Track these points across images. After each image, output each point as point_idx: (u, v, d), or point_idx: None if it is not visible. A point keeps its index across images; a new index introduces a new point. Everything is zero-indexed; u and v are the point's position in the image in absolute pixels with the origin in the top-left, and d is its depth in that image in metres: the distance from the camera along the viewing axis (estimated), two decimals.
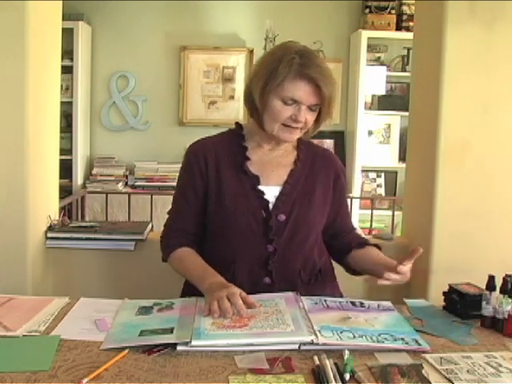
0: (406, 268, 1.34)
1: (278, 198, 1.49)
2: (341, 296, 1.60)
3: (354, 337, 1.19)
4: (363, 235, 1.81)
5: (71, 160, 3.96)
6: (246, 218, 1.47)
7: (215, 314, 1.26)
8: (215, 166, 1.51)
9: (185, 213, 1.55)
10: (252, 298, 1.37)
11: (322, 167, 1.58)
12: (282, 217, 1.48)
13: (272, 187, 1.50)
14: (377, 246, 1.61)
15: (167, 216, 1.61)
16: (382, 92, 4.16)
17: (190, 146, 1.57)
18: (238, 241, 1.48)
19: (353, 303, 1.40)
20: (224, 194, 1.48)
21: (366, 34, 4.00)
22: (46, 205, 2.11)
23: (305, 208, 1.51)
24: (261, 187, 1.49)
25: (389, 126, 4.26)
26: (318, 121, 1.49)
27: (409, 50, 4.03)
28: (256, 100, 1.44)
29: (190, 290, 1.50)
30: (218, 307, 1.27)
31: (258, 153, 1.53)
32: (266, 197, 1.49)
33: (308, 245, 1.53)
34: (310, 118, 1.44)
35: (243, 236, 1.47)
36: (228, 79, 4.20)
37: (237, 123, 1.61)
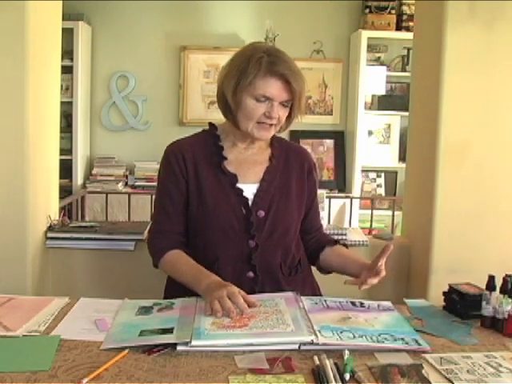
0: (382, 266, 1.39)
1: (256, 195, 1.52)
2: (317, 286, 1.66)
3: (354, 337, 1.19)
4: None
5: (71, 160, 3.96)
6: (227, 215, 1.50)
7: (218, 313, 1.26)
8: (193, 166, 1.53)
9: (171, 213, 1.55)
10: (252, 297, 1.37)
11: (296, 162, 1.61)
12: (262, 213, 1.51)
13: (249, 185, 1.53)
14: (345, 245, 1.68)
15: (151, 221, 1.62)
16: (382, 92, 4.16)
17: (168, 147, 1.59)
18: (220, 238, 1.50)
19: (353, 303, 1.40)
20: (204, 194, 1.51)
21: (365, 34, 4.00)
22: (46, 205, 2.11)
23: (282, 203, 1.55)
24: (239, 185, 1.52)
25: (389, 126, 4.26)
26: (289, 117, 1.52)
27: (409, 50, 4.03)
28: (229, 100, 1.47)
29: (173, 290, 1.52)
30: (220, 306, 1.27)
31: (233, 152, 1.56)
32: (244, 194, 1.52)
33: (288, 238, 1.56)
34: (283, 113, 1.48)
35: (225, 233, 1.50)
36: None
37: (210, 123, 1.62)
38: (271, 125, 1.48)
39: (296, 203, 1.58)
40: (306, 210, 1.62)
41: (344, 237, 2.11)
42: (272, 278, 1.53)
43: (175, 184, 1.54)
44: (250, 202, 1.51)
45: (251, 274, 1.51)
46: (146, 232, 2.09)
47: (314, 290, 1.62)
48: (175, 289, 1.51)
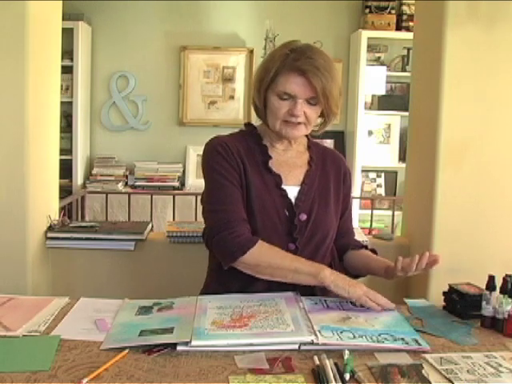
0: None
1: (297, 198, 1.50)
2: None
3: (354, 337, 1.19)
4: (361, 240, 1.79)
5: (71, 160, 3.96)
6: (271, 215, 1.46)
7: (389, 304, 1.35)
8: (241, 161, 1.48)
9: (236, 200, 1.43)
10: (252, 297, 1.37)
11: (332, 168, 1.60)
12: (304, 216, 1.49)
13: (291, 187, 1.51)
14: (373, 251, 1.64)
15: (209, 216, 1.47)
16: (382, 92, 4.16)
17: (209, 141, 1.51)
18: (261, 238, 1.44)
19: (353, 303, 1.40)
20: (250, 190, 1.47)
21: (365, 34, 4.00)
22: (46, 205, 2.10)
23: (322, 208, 1.52)
24: (282, 186, 1.50)
25: (389, 125, 4.26)
26: (323, 117, 1.50)
27: (409, 49, 4.03)
28: (255, 98, 1.47)
29: (213, 290, 1.48)
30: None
31: (273, 153, 1.54)
32: (288, 196, 1.49)
33: (326, 243, 1.54)
34: (310, 112, 1.44)
35: (267, 234, 1.45)
36: (228, 79, 4.20)
37: (249, 124, 1.61)
38: (296, 123, 1.44)
39: (333, 209, 1.56)
40: (340, 215, 1.60)
41: None
42: None
43: (230, 171, 1.44)
44: (292, 205, 1.49)
45: None
46: (145, 232, 2.09)
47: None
48: (215, 288, 1.48)
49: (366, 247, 1.65)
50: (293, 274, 1.39)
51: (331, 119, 1.51)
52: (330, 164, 1.60)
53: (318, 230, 1.50)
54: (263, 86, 1.44)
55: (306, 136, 1.60)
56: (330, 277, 1.37)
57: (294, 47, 1.44)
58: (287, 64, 1.40)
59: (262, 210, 1.46)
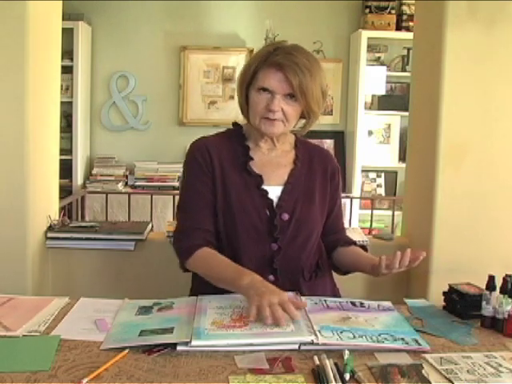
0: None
1: (280, 198, 1.50)
2: (337, 291, 1.62)
3: (354, 337, 1.19)
4: (352, 238, 1.76)
5: (71, 160, 3.96)
6: (251, 216, 1.47)
7: (267, 320, 1.20)
8: (219, 163, 1.50)
9: (200, 209, 1.49)
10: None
11: (320, 166, 1.59)
12: (286, 216, 1.49)
13: (274, 187, 1.51)
14: (364, 247, 1.62)
15: (177, 221, 1.54)
16: (382, 92, 4.16)
17: (193, 143, 1.56)
18: (243, 239, 1.47)
19: (353, 303, 1.40)
20: (229, 193, 1.48)
21: (366, 34, 4.00)
22: (46, 205, 2.11)
23: (306, 207, 1.52)
24: (264, 187, 1.50)
25: (389, 125, 4.26)
26: (304, 116, 1.50)
27: (409, 49, 4.03)
28: (237, 94, 1.49)
29: (199, 289, 1.49)
30: (269, 313, 1.21)
31: (257, 153, 1.54)
32: (269, 196, 1.49)
33: (310, 243, 1.53)
34: (288, 108, 1.44)
35: (248, 235, 1.47)
36: (228, 79, 4.20)
37: (235, 123, 1.61)
38: (275, 119, 1.44)
39: (319, 208, 1.55)
40: (327, 212, 1.59)
41: None
42: (292, 282, 1.49)
43: (202, 179, 1.49)
44: (274, 205, 1.49)
45: (272, 277, 1.47)
46: (145, 232, 2.10)
47: (334, 296, 1.56)
48: (202, 287, 1.48)
49: (355, 243, 1.63)
50: (223, 284, 1.41)
51: (313, 119, 1.51)
52: (317, 162, 1.59)
53: (301, 229, 1.50)
54: (245, 82, 1.46)
55: (295, 134, 1.60)
56: (247, 285, 1.30)
57: (279, 46, 1.45)
58: (268, 60, 1.42)
59: (242, 211, 1.47)
